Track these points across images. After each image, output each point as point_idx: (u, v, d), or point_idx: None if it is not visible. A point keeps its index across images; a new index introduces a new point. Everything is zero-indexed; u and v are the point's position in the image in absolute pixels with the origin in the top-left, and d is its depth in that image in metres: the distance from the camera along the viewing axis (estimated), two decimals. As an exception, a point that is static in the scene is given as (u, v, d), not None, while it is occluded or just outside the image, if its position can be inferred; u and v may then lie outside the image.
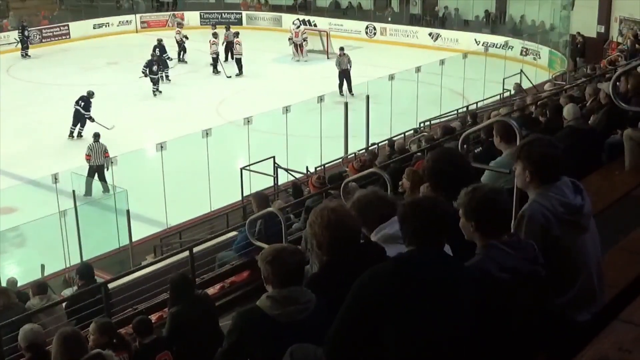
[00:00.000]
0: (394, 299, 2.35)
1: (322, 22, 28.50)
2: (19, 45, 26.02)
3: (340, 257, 2.87)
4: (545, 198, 2.95)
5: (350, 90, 19.61)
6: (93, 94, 17.15)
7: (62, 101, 19.62)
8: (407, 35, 27.81)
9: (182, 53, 24.73)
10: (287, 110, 14.30)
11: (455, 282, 2.45)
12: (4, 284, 8.10)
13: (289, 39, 25.34)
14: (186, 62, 24.52)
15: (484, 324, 2.47)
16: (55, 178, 11.11)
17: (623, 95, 6.51)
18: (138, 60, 23.74)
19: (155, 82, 20.70)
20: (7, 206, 11.99)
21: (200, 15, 31.21)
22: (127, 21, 30.37)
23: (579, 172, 4.07)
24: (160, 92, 20.75)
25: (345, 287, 2.45)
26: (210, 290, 6.47)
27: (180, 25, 27.67)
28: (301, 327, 2.74)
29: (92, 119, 16.80)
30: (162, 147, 12.46)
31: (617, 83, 5.76)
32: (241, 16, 31.36)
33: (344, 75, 20.05)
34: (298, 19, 27.02)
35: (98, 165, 13.84)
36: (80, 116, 16.97)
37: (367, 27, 28.70)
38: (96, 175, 13.84)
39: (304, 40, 25.31)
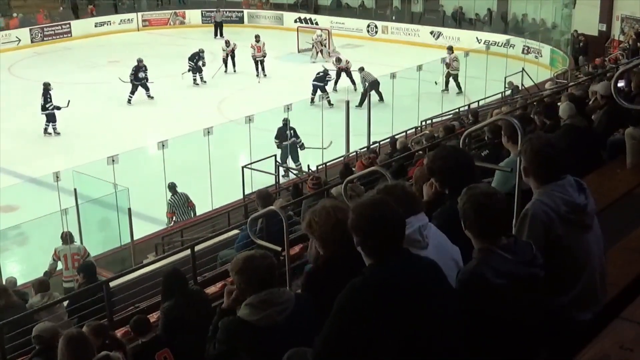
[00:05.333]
0: (382, 311, 2.28)
1: (323, 21, 28.47)
2: (136, 91, 19.96)
3: (340, 254, 2.87)
4: (549, 197, 2.94)
5: (381, 98, 18.58)
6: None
7: (63, 99, 19.65)
8: (409, 34, 27.78)
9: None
10: (288, 108, 14.30)
11: (440, 282, 2.42)
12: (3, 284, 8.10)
13: (314, 41, 25.16)
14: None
15: (479, 328, 2.45)
16: (56, 176, 11.08)
17: (627, 94, 6.49)
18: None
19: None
20: (9, 204, 12.00)
21: (202, 13, 31.20)
22: (128, 19, 30.37)
23: (580, 171, 4.06)
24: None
25: (344, 283, 2.41)
26: (212, 289, 6.46)
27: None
28: (284, 328, 2.73)
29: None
30: (163, 145, 12.46)
31: (619, 81, 5.73)
32: (242, 14, 31.35)
33: (374, 86, 18.36)
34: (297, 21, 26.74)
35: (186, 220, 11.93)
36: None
37: (368, 26, 28.65)
38: None
39: (322, 45, 25.35)
